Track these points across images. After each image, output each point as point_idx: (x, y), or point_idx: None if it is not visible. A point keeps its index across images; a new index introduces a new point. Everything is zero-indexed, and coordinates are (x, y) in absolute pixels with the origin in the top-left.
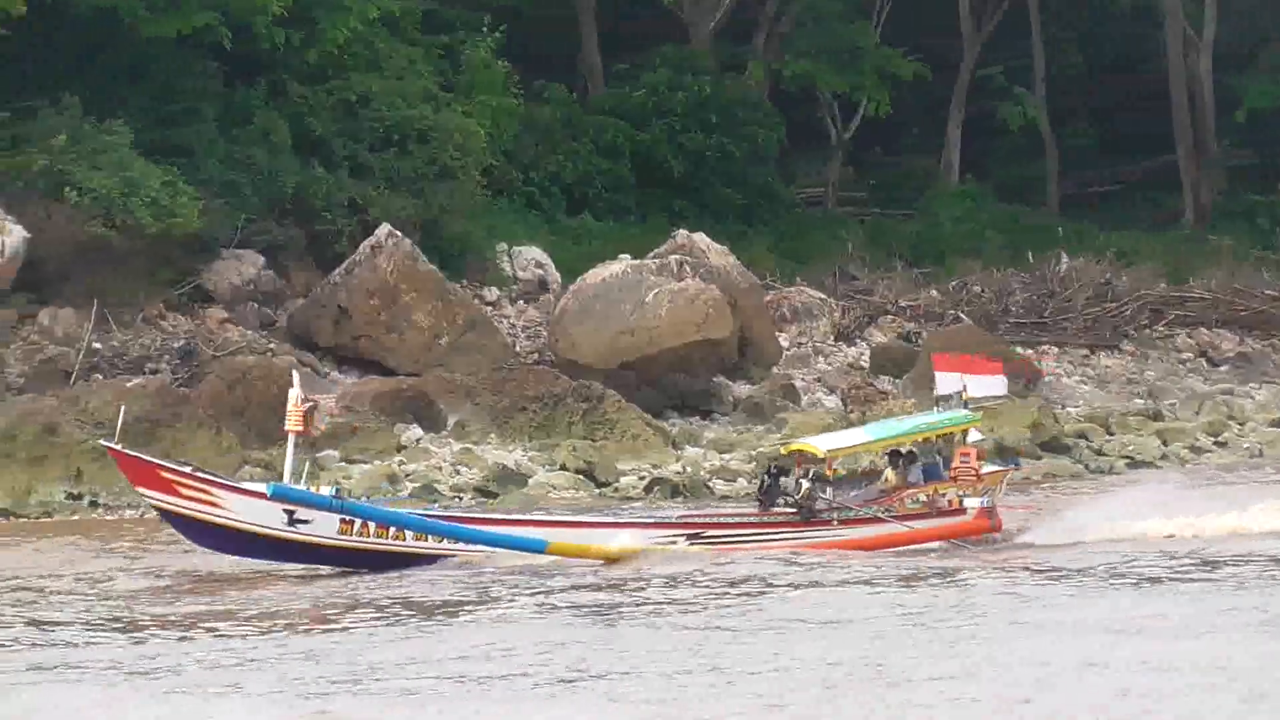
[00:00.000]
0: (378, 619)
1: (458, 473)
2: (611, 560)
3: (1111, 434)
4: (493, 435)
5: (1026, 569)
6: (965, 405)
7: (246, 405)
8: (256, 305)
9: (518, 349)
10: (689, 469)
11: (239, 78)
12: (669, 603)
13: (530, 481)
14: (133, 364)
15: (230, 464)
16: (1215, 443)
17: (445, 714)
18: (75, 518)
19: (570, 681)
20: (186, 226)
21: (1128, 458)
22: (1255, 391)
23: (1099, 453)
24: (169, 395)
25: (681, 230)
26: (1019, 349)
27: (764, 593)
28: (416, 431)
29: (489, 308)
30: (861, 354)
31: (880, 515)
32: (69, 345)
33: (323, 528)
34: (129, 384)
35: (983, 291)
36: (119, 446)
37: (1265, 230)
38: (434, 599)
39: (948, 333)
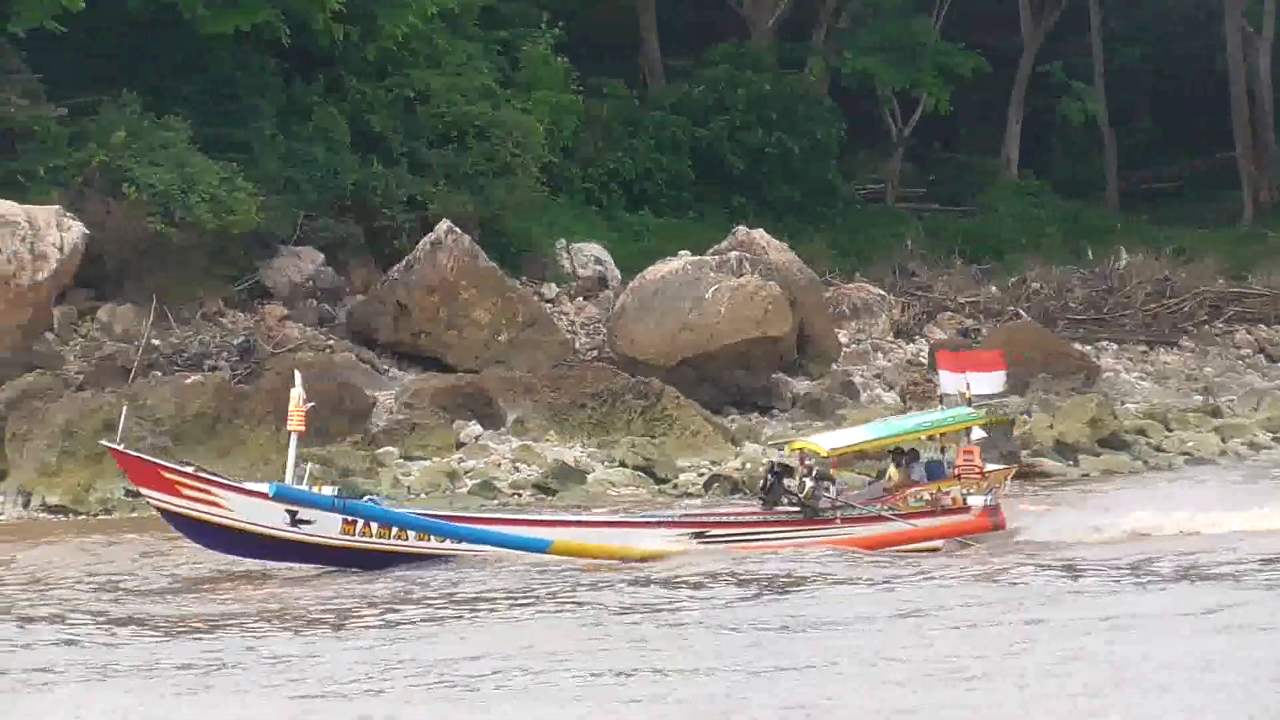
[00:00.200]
0: (424, 617)
1: (517, 470)
2: (616, 559)
3: (1170, 430)
4: (552, 432)
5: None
6: (969, 403)
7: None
8: (315, 302)
9: (577, 346)
10: (748, 465)
11: (298, 74)
12: (672, 603)
13: (589, 478)
14: (192, 361)
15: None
16: (1274, 439)
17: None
18: (134, 515)
19: (580, 682)
20: (245, 223)
21: (1186, 454)
22: None
23: (1158, 449)
24: (228, 392)
25: (741, 226)
26: (1077, 345)
27: (771, 592)
28: (476, 428)
29: (548, 304)
30: (920, 350)
31: (884, 514)
32: (128, 342)
33: (325, 528)
34: (188, 381)
35: (1042, 288)
36: (120, 446)
37: None
38: (444, 598)
39: (1007, 329)
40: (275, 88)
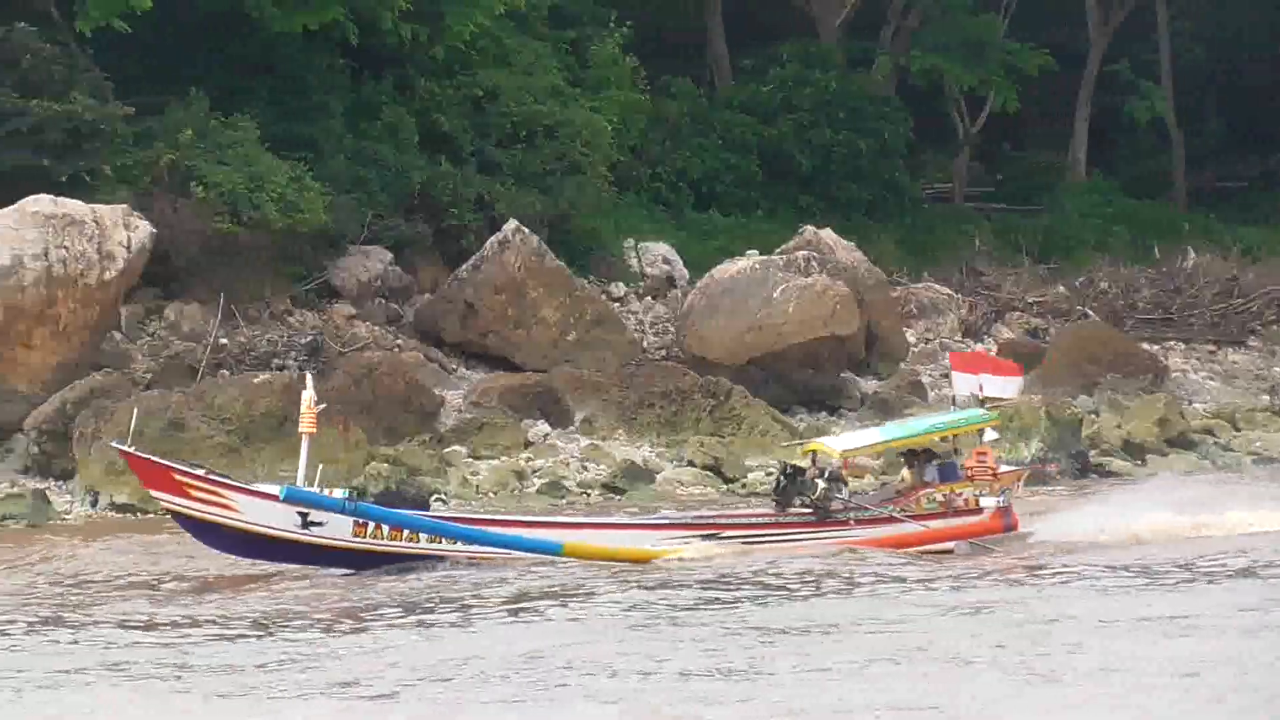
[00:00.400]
0: (435, 620)
1: (585, 469)
2: (629, 561)
3: (1238, 430)
4: (620, 431)
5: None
6: (982, 405)
7: (373, 401)
8: (383, 301)
9: (645, 345)
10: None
11: (366, 73)
12: (684, 605)
13: (658, 477)
14: (259, 360)
15: (357, 460)
16: None
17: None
18: None
19: (592, 684)
20: (313, 222)
21: (1254, 453)
22: None
23: (1226, 448)
24: (296, 392)
25: (809, 226)
26: (1145, 345)
27: (784, 593)
28: (544, 427)
29: (616, 304)
30: (989, 350)
31: (896, 515)
32: (195, 341)
33: (336, 530)
34: (255, 380)
35: (1109, 287)
36: (130, 449)
37: None
38: (457, 600)
39: (1075, 329)
40: (343, 87)
